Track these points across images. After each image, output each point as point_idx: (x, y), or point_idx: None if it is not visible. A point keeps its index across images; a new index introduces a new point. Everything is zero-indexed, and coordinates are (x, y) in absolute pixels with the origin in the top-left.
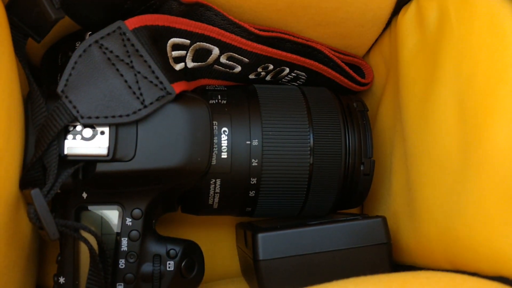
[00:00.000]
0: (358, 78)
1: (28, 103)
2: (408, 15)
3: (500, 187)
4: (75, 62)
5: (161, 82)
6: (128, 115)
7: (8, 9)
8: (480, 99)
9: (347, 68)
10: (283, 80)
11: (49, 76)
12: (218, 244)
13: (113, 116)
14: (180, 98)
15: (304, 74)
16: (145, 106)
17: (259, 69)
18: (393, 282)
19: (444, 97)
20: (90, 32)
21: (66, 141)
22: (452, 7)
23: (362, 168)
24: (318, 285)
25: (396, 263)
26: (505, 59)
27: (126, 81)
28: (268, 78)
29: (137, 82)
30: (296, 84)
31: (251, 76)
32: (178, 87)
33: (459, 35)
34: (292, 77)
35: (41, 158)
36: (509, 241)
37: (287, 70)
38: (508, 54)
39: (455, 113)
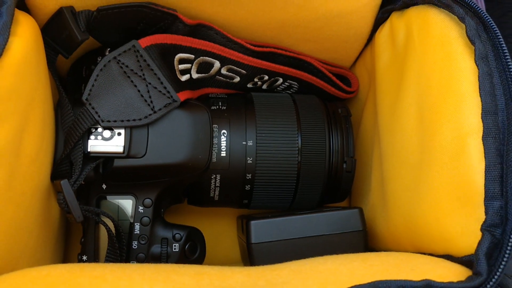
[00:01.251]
0: (344, 87)
1: (58, 109)
2: (383, 33)
3: (447, 179)
4: (97, 75)
5: (168, 92)
6: (140, 119)
7: (43, 31)
8: (432, 105)
9: (334, 78)
10: (278, 88)
11: (74, 86)
12: (221, 234)
13: (128, 120)
14: (184, 105)
15: (296, 83)
16: (155, 112)
17: (256, 79)
18: (357, 257)
19: (407, 104)
20: (109, 49)
21: (89, 140)
22: (415, 27)
23: (344, 166)
24: (296, 261)
25: (372, 250)
26: (452, 72)
27: (139, 91)
28: (264, 87)
29: (148, 91)
30: (289, 92)
31: (249, 85)
32: (183, 96)
33: (420, 51)
34: (286, 86)
35: (68, 155)
36: (454, 225)
37: (281, 80)
38: (454, 68)
39: (415, 117)
